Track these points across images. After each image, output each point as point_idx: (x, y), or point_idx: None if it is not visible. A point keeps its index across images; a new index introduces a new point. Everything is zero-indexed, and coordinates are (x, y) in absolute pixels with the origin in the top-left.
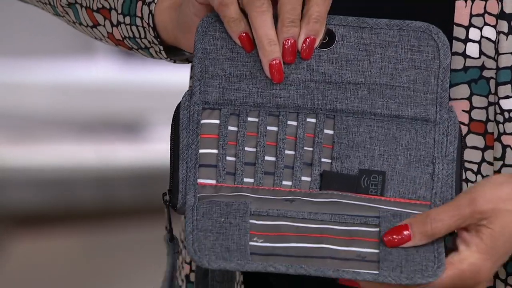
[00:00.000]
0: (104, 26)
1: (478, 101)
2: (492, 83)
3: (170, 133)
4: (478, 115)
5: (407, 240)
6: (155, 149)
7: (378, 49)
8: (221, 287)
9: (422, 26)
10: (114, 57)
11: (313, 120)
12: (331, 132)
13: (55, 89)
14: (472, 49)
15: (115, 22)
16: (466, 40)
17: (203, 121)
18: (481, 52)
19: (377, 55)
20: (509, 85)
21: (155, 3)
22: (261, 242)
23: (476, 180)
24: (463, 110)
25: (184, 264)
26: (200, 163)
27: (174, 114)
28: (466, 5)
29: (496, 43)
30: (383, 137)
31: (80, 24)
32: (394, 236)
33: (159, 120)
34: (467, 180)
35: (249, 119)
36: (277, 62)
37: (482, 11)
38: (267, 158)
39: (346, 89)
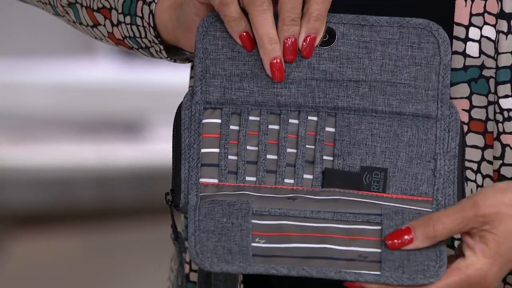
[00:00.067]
0: (104, 25)
1: (478, 100)
2: (491, 82)
3: (171, 133)
4: (478, 114)
5: (409, 243)
6: (155, 149)
7: (379, 46)
8: (224, 286)
9: (422, 23)
10: (114, 57)
11: (315, 118)
12: (332, 129)
13: (55, 89)
14: (472, 48)
15: (115, 22)
16: (466, 39)
17: (204, 121)
18: (481, 52)
19: (377, 53)
20: (508, 85)
21: (156, 3)
22: (263, 243)
23: (475, 179)
24: (463, 109)
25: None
26: (202, 163)
27: (175, 114)
28: (466, 4)
29: (495, 42)
30: (385, 134)
31: (80, 23)
32: (395, 241)
33: (159, 120)
34: (467, 179)
35: (251, 118)
36: (278, 60)
37: (482, 10)
38: (269, 156)
39: (347, 87)
